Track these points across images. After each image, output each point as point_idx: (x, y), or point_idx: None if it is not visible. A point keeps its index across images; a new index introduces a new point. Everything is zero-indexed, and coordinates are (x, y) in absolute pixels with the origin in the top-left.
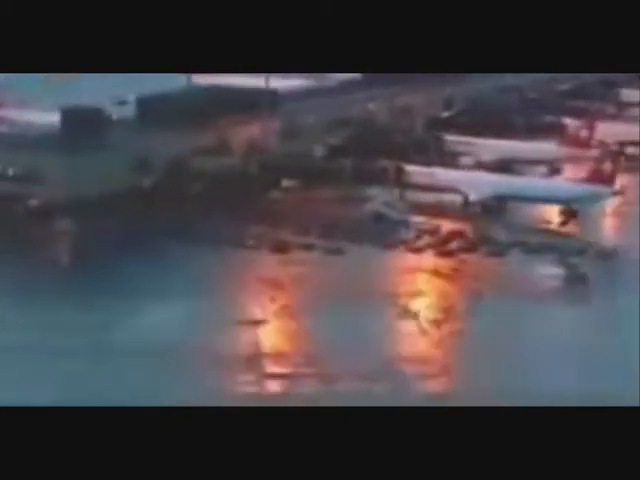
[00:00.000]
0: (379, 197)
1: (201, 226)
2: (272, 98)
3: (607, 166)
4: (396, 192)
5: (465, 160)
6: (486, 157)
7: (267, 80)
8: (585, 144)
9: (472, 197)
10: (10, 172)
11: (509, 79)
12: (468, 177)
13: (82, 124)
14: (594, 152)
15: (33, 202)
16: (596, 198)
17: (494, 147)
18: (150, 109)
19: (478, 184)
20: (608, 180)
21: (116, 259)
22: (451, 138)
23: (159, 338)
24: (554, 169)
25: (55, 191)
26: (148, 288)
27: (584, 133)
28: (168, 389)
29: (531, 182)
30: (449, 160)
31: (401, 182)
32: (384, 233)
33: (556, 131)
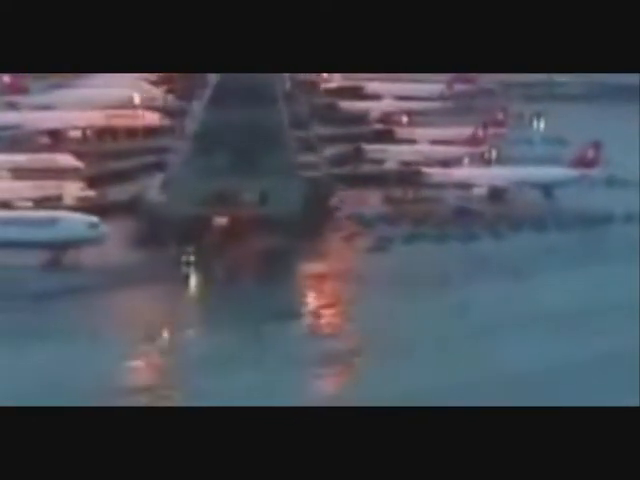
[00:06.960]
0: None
1: None
2: None
3: None
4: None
5: (389, 164)
6: (407, 159)
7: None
8: (480, 143)
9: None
10: (200, 194)
11: None
12: (479, 172)
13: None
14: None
15: (220, 221)
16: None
17: (407, 151)
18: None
19: (491, 177)
20: (591, 165)
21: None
22: (370, 147)
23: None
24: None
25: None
26: None
27: (480, 134)
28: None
29: (532, 170)
30: (375, 166)
31: (421, 183)
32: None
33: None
